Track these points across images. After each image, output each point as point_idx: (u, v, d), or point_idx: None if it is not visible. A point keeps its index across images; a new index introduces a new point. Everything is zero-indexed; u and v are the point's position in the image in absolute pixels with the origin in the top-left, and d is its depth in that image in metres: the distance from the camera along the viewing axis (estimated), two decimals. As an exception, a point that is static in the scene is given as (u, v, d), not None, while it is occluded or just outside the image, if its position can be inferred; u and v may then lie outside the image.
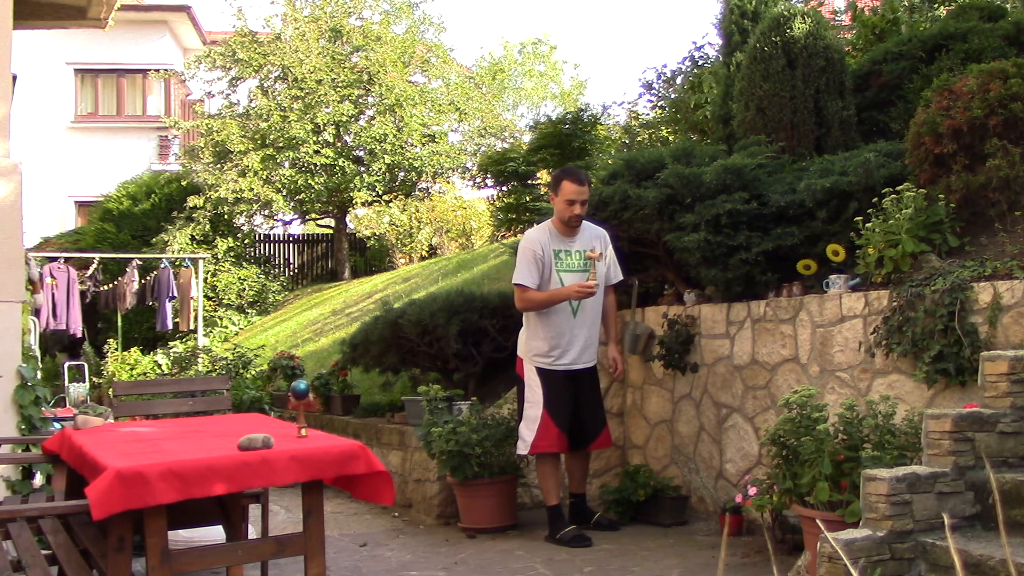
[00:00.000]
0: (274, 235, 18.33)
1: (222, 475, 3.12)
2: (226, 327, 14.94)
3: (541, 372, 5.33)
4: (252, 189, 15.22)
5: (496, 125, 17.63)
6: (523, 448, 5.36)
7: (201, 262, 13.95)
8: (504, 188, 11.65)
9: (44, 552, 3.44)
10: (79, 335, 12.78)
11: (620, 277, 5.61)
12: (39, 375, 5.66)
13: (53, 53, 19.49)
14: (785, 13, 6.14)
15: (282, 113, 15.74)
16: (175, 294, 13.37)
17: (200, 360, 11.52)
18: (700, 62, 9.20)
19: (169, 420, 4.76)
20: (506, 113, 26.02)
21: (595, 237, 5.46)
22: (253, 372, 9.53)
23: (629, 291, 6.14)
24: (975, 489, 3.36)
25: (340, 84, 16.14)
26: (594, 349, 5.47)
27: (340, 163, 15.92)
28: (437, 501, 5.93)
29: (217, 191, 15.15)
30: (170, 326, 13.47)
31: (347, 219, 17.16)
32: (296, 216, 17.34)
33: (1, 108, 5.40)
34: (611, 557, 4.84)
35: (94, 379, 12.62)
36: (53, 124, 20.15)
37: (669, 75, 9.66)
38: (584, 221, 5.44)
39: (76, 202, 20.16)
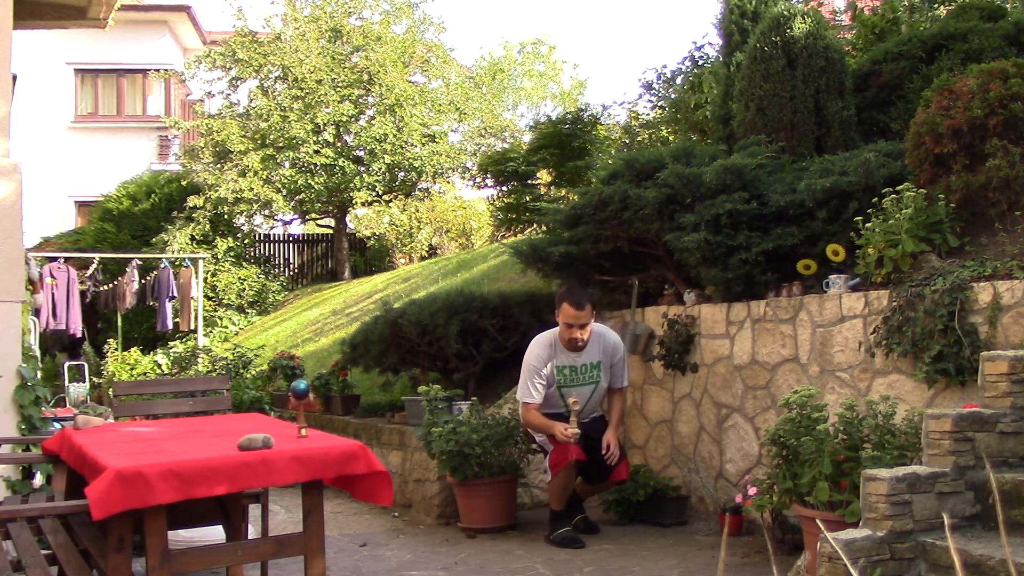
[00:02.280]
0: (274, 235, 18.33)
1: (222, 475, 3.12)
2: (226, 327, 14.94)
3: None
4: (252, 189, 15.22)
5: (496, 125, 17.63)
6: (549, 476, 5.31)
7: (201, 262, 13.94)
8: (504, 188, 11.66)
9: (44, 552, 3.44)
10: (79, 335, 12.77)
11: (625, 384, 5.53)
12: (39, 375, 5.66)
13: (53, 53, 19.49)
14: (785, 13, 6.14)
15: (282, 113, 15.73)
16: (175, 294, 13.37)
17: (200, 360, 11.52)
18: (700, 62, 9.20)
19: (169, 420, 4.76)
20: (506, 113, 26.01)
21: (603, 350, 5.36)
22: (253, 372, 9.53)
23: (629, 291, 6.14)
24: (975, 489, 3.36)
25: (340, 84, 16.14)
26: (594, 414, 5.46)
27: (340, 163, 15.92)
28: (437, 501, 5.93)
29: (217, 191, 15.15)
30: (170, 326, 13.47)
31: (347, 219, 17.16)
32: (296, 216, 17.34)
33: (1, 108, 5.40)
34: (611, 557, 4.84)
35: (94, 379, 12.62)
36: (53, 124, 20.14)
37: (669, 75, 9.67)
38: (600, 332, 5.37)
39: (76, 202, 20.15)
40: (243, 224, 16.68)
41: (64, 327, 12.31)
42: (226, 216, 15.77)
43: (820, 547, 3.29)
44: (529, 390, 5.29)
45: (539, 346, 5.34)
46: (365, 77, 16.45)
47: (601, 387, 5.40)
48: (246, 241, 16.83)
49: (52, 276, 12.14)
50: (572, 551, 4.97)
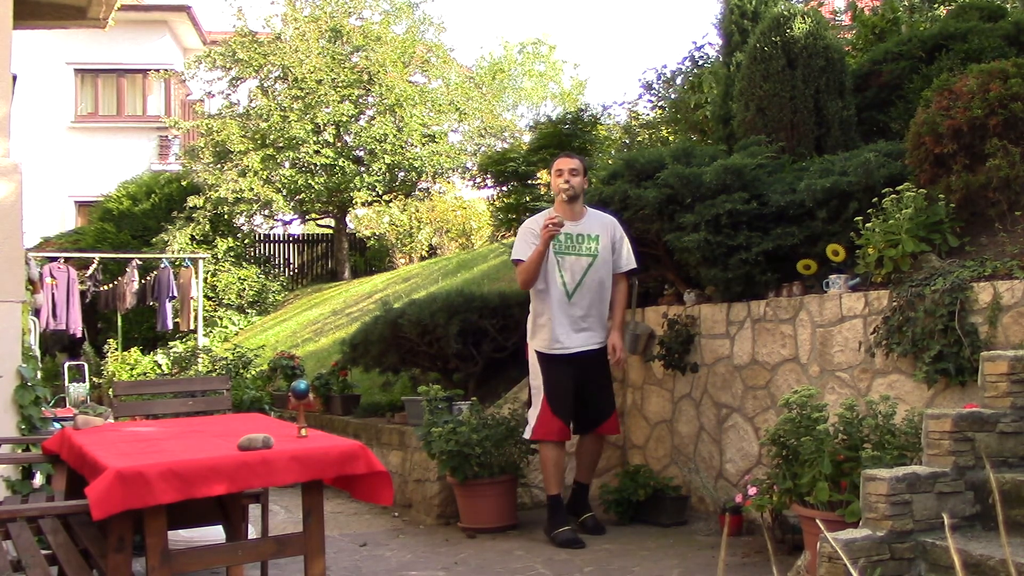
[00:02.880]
0: (274, 235, 18.34)
1: (222, 475, 3.12)
2: (226, 327, 14.94)
3: (541, 357, 5.33)
4: (252, 189, 15.22)
5: (496, 125, 17.63)
6: (527, 433, 5.39)
7: (201, 262, 13.95)
8: (504, 188, 11.64)
9: (44, 552, 3.44)
10: (79, 335, 12.78)
11: (632, 265, 5.52)
12: (39, 375, 5.66)
13: (53, 53, 19.49)
14: (785, 13, 6.14)
15: (282, 113, 15.74)
16: (175, 294, 13.37)
17: (200, 360, 11.52)
18: (700, 62, 9.20)
19: (169, 420, 4.76)
20: (506, 113, 26.02)
21: (602, 225, 5.44)
22: (253, 372, 9.53)
23: (629, 290, 6.13)
24: (975, 489, 3.36)
25: (340, 84, 16.14)
26: (598, 335, 5.40)
27: (340, 163, 15.92)
28: (437, 501, 5.93)
29: (217, 191, 15.15)
30: (170, 326, 13.47)
31: (347, 219, 17.16)
32: (296, 216, 17.34)
33: (1, 108, 5.40)
34: (611, 557, 4.84)
35: (94, 379, 12.62)
36: (53, 124, 20.14)
37: (669, 75, 9.66)
38: (593, 210, 5.51)
39: (76, 202, 20.16)
40: (243, 224, 16.70)
41: (64, 327, 12.31)
42: (226, 216, 15.78)
43: (820, 547, 3.29)
44: (519, 248, 5.34)
45: (536, 214, 5.52)
46: (365, 77, 16.46)
47: (599, 263, 5.35)
48: (246, 241, 16.84)
49: (52, 276, 12.14)
50: (572, 551, 4.97)
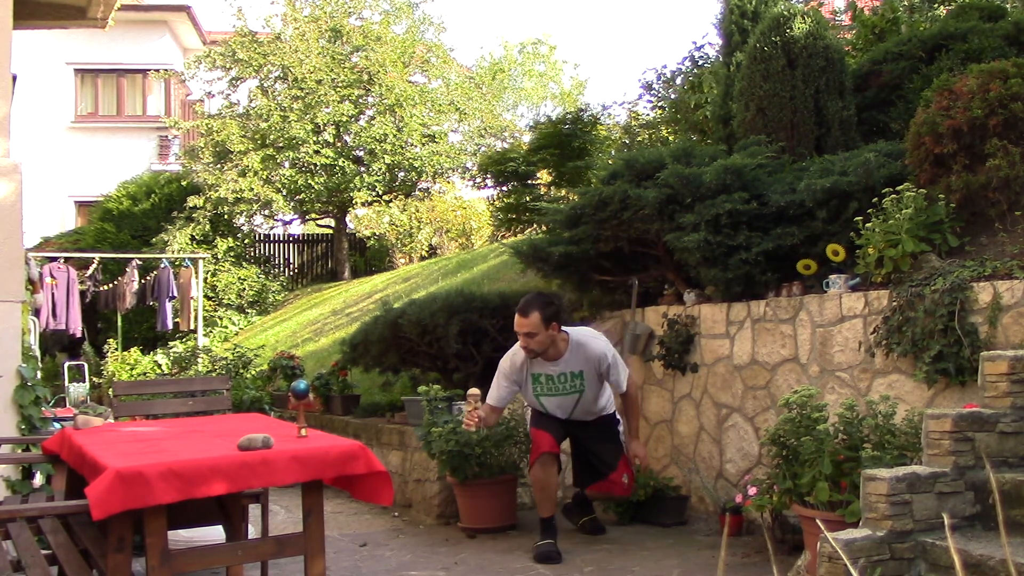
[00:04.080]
0: (274, 235, 18.34)
1: (222, 475, 3.12)
2: (226, 327, 14.94)
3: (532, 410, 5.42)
4: (252, 189, 15.22)
5: (496, 125, 17.63)
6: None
7: (201, 262, 13.95)
8: (504, 188, 11.66)
9: (44, 552, 3.44)
10: (79, 335, 12.78)
11: (623, 388, 5.24)
12: (39, 375, 5.66)
13: (53, 53, 19.49)
14: (785, 13, 6.14)
15: (282, 113, 15.74)
16: (175, 294, 13.37)
17: (200, 360, 11.52)
18: (700, 62, 9.20)
19: (169, 420, 4.76)
20: (506, 113, 26.02)
21: (586, 361, 5.07)
22: (253, 372, 9.53)
23: (629, 291, 6.14)
24: (975, 489, 3.36)
25: (340, 84, 16.14)
26: (596, 415, 5.30)
27: (340, 163, 15.92)
28: (437, 501, 5.93)
29: (217, 191, 15.16)
30: (170, 326, 13.47)
31: (347, 219, 17.16)
32: (296, 216, 17.34)
33: (1, 108, 5.40)
34: (611, 557, 4.84)
35: (94, 379, 12.62)
36: (53, 124, 20.13)
37: (669, 76, 9.66)
38: (577, 342, 5.09)
39: (76, 202, 20.15)
40: (243, 224, 16.70)
41: (64, 327, 12.31)
42: (226, 216, 15.78)
43: (820, 547, 3.29)
44: (493, 390, 5.27)
45: (513, 352, 5.20)
46: (365, 77, 16.46)
47: (588, 396, 5.20)
48: (246, 241, 16.84)
49: (52, 276, 12.15)
50: (571, 551, 4.96)
